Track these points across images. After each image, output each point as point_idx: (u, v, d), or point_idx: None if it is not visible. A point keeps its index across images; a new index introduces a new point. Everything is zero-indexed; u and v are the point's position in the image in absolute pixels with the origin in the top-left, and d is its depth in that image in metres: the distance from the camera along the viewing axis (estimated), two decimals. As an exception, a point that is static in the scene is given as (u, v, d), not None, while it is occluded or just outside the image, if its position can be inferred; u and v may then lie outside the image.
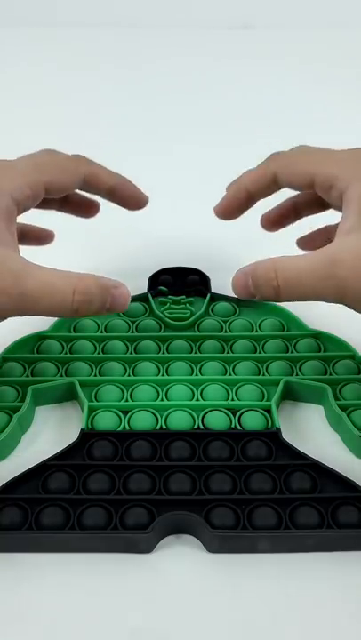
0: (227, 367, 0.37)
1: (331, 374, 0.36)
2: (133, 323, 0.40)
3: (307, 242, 0.39)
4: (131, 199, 0.38)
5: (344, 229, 0.29)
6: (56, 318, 0.40)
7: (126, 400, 0.35)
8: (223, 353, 0.38)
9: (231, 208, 0.36)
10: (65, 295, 0.29)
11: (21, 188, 0.31)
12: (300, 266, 0.29)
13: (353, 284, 0.28)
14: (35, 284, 0.28)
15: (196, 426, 0.34)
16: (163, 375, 0.37)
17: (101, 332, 0.39)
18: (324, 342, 0.39)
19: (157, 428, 0.34)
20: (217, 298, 0.42)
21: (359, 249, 0.28)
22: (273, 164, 0.35)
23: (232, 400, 0.35)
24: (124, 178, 0.37)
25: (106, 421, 0.34)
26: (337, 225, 0.31)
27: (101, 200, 0.56)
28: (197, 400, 0.35)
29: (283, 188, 0.35)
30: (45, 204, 0.36)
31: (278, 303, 0.41)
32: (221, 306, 0.42)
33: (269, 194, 0.36)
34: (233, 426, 0.34)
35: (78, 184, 0.35)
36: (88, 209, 0.40)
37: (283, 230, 0.50)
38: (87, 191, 0.37)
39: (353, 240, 0.28)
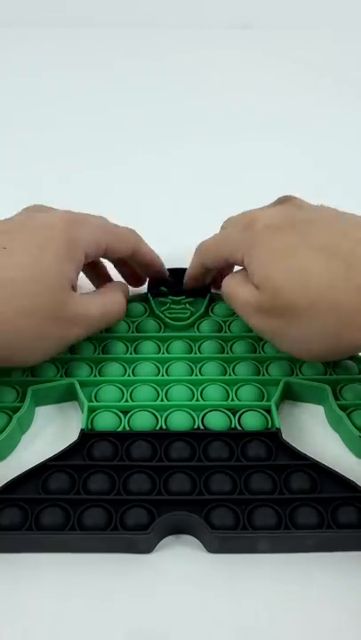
0: (227, 367, 0.37)
1: (331, 374, 0.36)
2: (133, 323, 0.40)
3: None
4: (157, 274, 0.42)
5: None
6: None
7: (126, 400, 0.35)
8: (223, 353, 0.38)
9: (190, 286, 0.42)
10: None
11: (92, 245, 0.35)
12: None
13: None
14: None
15: (195, 426, 0.34)
16: (163, 375, 0.37)
17: (101, 332, 0.39)
18: (324, 342, 0.39)
19: (157, 428, 0.34)
20: (217, 298, 0.42)
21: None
22: (199, 256, 0.39)
23: (232, 400, 0.35)
24: (158, 256, 0.41)
25: (106, 422, 0.34)
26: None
27: (99, 203, 0.57)
28: (197, 400, 0.35)
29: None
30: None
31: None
32: (221, 306, 0.41)
33: (208, 271, 0.40)
34: (233, 426, 0.34)
35: (128, 254, 0.38)
36: (135, 280, 0.43)
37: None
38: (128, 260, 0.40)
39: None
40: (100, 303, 0.36)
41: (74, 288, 0.34)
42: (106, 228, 0.37)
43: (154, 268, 0.41)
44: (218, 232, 0.40)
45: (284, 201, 0.37)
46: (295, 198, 0.37)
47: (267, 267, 0.32)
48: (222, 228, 0.40)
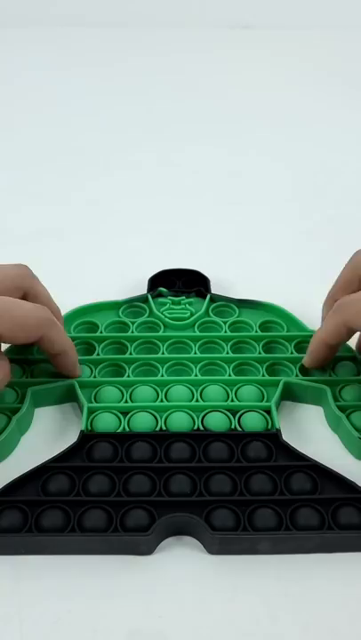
0: (226, 368, 0.37)
1: (330, 375, 0.36)
2: (133, 323, 0.40)
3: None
4: (65, 370, 0.36)
5: None
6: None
7: (126, 401, 0.35)
8: (223, 353, 0.38)
9: (318, 361, 0.36)
10: None
11: None
12: None
13: None
14: None
15: (195, 427, 0.34)
16: (162, 376, 0.37)
17: (101, 332, 0.39)
18: (325, 343, 0.39)
19: (157, 429, 0.33)
20: (217, 298, 0.42)
21: None
22: (342, 315, 0.33)
23: (232, 401, 0.35)
24: (71, 346, 0.35)
25: (105, 423, 0.34)
26: None
27: (102, 199, 0.56)
28: (197, 401, 0.35)
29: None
30: None
31: (278, 304, 0.41)
32: (221, 306, 0.41)
33: (348, 339, 0.35)
34: (233, 427, 0.34)
35: (32, 342, 0.33)
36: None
37: (281, 236, 0.51)
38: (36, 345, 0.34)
39: None
40: None
41: None
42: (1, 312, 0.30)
43: (62, 361, 0.35)
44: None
45: None
46: None
47: None
48: (352, 263, 0.35)
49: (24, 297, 0.34)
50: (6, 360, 0.32)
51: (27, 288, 0.34)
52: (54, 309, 0.36)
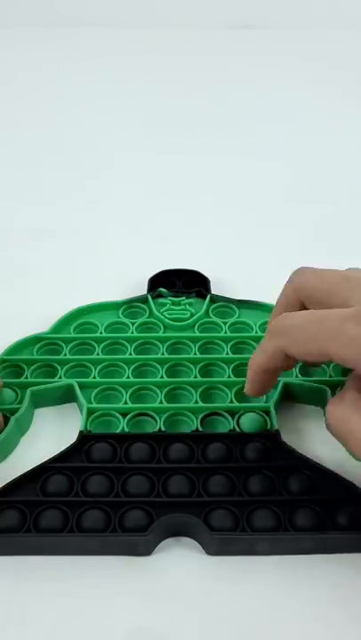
0: (226, 369, 0.37)
1: (330, 376, 0.36)
2: (133, 324, 0.40)
3: None
4: None
5: None
6: (56, 320, 0.40)
7: (125, 402, 0.35)
8: (223, 354, 0.38)
9: (258, 389, 0.33)
10: None
11: None
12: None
13: None
14: None
15: (194, 428, 0.34)
16: (162, 377, 0.36)
17: (101, 333, 0.39)
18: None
19: (156, 430, 0.33)
20: (217, 299, 0.42)
21: None
22: (280, 340, 0.29)
23: (231, 402, 0.35)
24: None
25: (105, 423, 0.34)
26: None
27: (102, 199, 0.56)
28: (196, 402, 0.35)
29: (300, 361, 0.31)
30: None
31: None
32: (221, 307, 0.41)
33: (291, 366, 0.31)
34: (232, 428, 0.34)
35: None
36: None
37: (282, 236, 0.51)
38: None
39: None
40: None
41: None
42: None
43: None
44: (282, 296, 0.32)
45: None
46: None
47: None
48: (293, 285, 0.31)
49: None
50: None
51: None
52: None
